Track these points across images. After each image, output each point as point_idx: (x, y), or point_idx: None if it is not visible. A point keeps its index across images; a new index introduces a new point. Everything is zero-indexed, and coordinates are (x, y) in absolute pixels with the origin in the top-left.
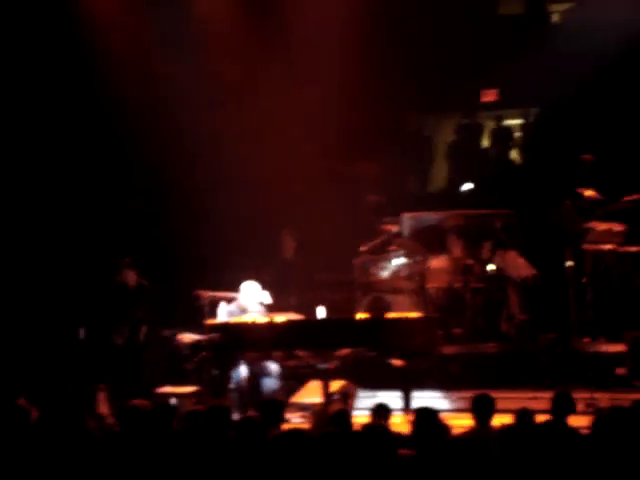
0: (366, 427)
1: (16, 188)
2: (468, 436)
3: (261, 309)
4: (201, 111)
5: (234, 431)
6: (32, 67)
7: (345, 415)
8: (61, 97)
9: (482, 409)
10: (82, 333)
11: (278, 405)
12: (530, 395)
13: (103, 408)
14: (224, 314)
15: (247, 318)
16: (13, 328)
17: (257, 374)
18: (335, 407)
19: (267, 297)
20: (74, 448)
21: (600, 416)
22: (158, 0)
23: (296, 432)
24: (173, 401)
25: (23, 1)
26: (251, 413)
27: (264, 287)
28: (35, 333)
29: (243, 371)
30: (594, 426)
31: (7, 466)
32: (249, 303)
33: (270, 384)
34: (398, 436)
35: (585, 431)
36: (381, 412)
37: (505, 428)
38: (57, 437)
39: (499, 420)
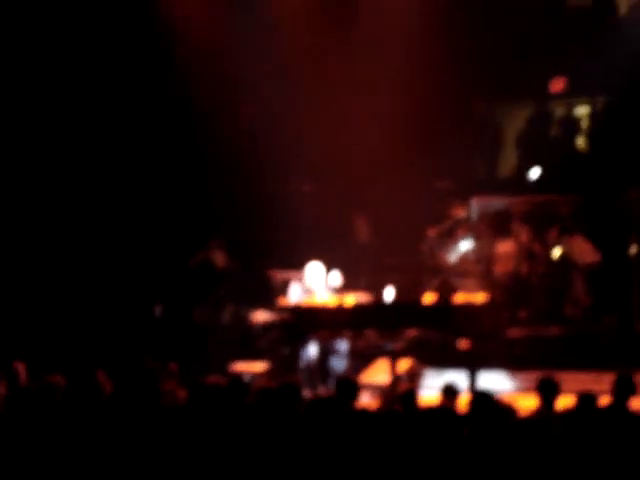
0: (433, 408)
1: (103, 167)
2: (533, 417)
3: (326, 289)
4: (275, 98)
5: (306, 408)
6: (108, 65)
7: (412, 395)
8: (138, 96)
9: (547, 391)
10: (158, 311)
11: (353, 385)
12: (593, 377)
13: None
14: (295, 294)
15: (317, 299)
16: (93, 303)
17: (326, 353)
18: (403, 387)
19: (337, 278)
20: (148, 422)
21: None
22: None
23: (365, 411)
24: (247, 378)
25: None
26: (324, 392)
27: (336, 268)
28: (115, 309)
29: (313, 350)
30: None
31: (82, 437)
32: (314, 284)
33: (339, 363)
34: (464, 417)
35: None
36: (450, 392)
37: (568, 411)
38: (131, 411)
39: (563, 401)
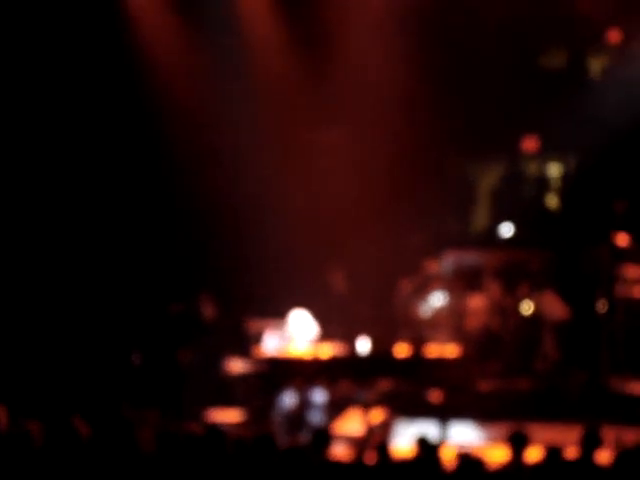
0: (408, 460)
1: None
2: (504, 469)
3: (307, 339)
4: (250, 158)
5: (280, 458)
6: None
7: (386, 447)
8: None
9: (517, 443)
10: (136, 358)
11: (327, 436)
12: (561, 429)
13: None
14: (270, 343)
15: (293, 350)
16: (71, 349)
17: (303, 403)
18: (377, 438)
19: (314, 329)
20: (125, 470)
21: (624, 452)
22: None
23: (339, 462)
24: (223, 427)
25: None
26: (299, 442)
27: (312, 318)
28: (93, 355)
29: (290, 400)
30: (618, 462)
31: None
32: (296, 333)
33: (315, 414)
34: (439, 469)
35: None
36: (424, 444)
37: (537, 463)
38: (109, 458)
39: (532, 453)
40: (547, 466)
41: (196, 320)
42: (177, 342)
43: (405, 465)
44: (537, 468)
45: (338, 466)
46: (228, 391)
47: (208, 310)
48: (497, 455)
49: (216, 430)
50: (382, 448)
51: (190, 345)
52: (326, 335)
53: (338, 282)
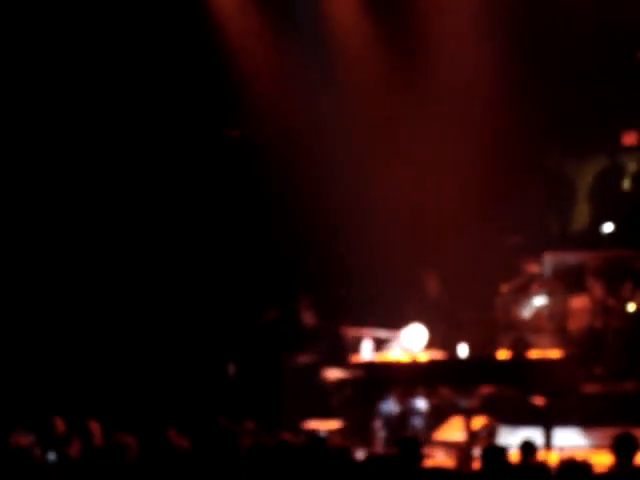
0: (514, 465)
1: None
2: (610, 473)
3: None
4: (342, 154)
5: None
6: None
7: (493, 451)
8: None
9: (624, 447)
10: (232, 369)
11: (417, 443)
12: None
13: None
14: (369, 350)
15: (390, 356)
16: (165, 361)
17: (406, 411)
18: (481, 444)
19: (424, 339)
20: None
21: None
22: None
23: (442, 470)
24: (322, 434)
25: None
26: (392, 451)
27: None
28: (187, 367)
29: (393, 407)
30: None
31: None
32: (413, 347)
33: (418, 422)
34: (544, 474)
35: None
36: (528, 448)
37: None
38: (210, 468)
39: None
40: None
41: (295, 326)
42: (274, 350)
43: (509, 470)
44: None
45: (440, 473)
46: (326, 400)
47: (307, 316)
48: (602, 460)
49: (317, 438)
50: (490, 454)
51: (290, 352)
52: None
53: (432, 285)
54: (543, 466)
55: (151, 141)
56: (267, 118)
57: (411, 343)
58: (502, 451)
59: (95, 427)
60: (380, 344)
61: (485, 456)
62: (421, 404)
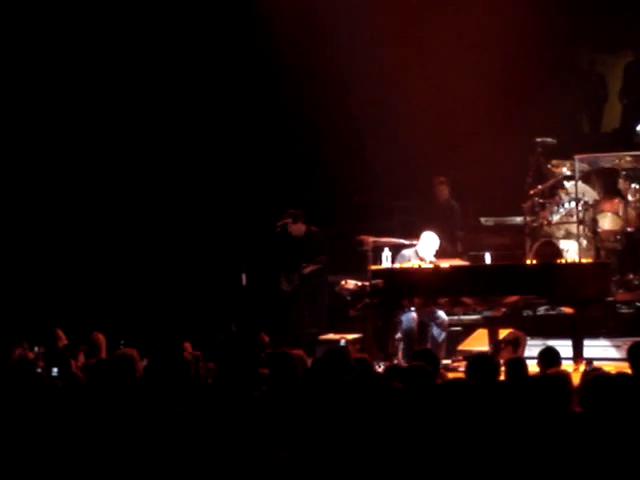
0: (541, 376)
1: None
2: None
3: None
4: (364, 52)
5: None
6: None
7: (518, 363)
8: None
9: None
10: (244, 279)
11: (433, 355)
12: None
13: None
14: (389, 259)
15: (411, 264)
16: (178, 274)
17: (425, 322)
18: (505, 356)
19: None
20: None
21: None
22: None
23: (461, 381)
24: (342, 342)
25: None
26: (415, 362)
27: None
28: (200, 278)
29: (413, 318)
30: None
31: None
32: (428, 254)
33: (439, 333)
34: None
35: None
36: (549, 358)
37: None
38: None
39: None
40: None
41: (289, 239)
42: (274, 262)
43: (528, 382)
44: None
45: (463, 385)
46: (343, 311)
47: (296, 228)
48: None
49: (335, 349)
50: (514, 366)
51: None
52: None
53: (442, 194)
54: (564, 377)
55: None
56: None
57: (424, 250)
58: (522, 362)
59: (101, 339)
60: (396, 253)
61: (508, 368)
62: (441, 315)
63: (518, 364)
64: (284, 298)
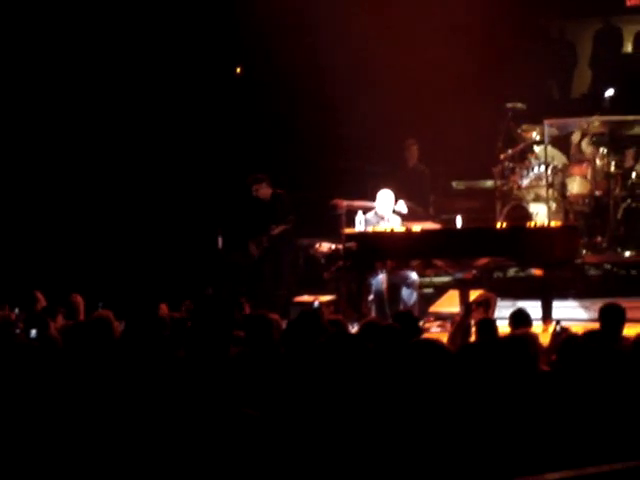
0: (511, 337)
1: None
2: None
3: (398, 218)
4: (337, 20)
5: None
6: None
7: (489, 324)
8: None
9: (611, 319)
10: (220, 242)
11: (413, 317)
12: None
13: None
14: (362, 223)
15: (385, 227)
16: (154, 237)
17: (397, 284)
18: (476, 317)
19: (403, 206)
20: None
21: None
22: None
23: (433, 342)
24: (316, 304)
25: None
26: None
27: (399, 196)
28: (174, 241)
29: (382, 280)
30: None
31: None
32: (386, 212)
33: (409, 295)
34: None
35: None
36: (520, 319)
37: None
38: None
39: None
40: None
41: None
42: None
43: (504, 342)
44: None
45: (434, 346)
46: (317, 273)
47: (263, 192)
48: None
49: (309, 311)
50: (485, 326)
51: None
52: (418, 213)
53: (412, 157)
54: (531, 338)
55: None
56: None
57: (381, 209)
58: (492, 323)
59: (79, 302)
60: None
61: (478, 329)
62: (412, 277)
63: (488, 325)
64: (254, 261)
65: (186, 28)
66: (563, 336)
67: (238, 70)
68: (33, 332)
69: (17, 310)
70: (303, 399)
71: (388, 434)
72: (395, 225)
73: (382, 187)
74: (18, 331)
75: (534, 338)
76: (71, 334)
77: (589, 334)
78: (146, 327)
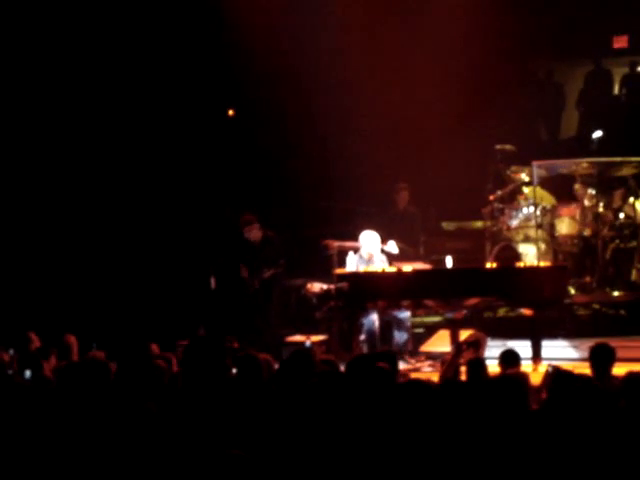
0: (500, 377)
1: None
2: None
3: (384, 258)
4: (328, 61)
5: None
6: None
7: (479, 364)
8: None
9: (601, 359)
10: (213, 282)
11: (393, 356)
12: None
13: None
14: (353, 263)
15: (376, 267)
16: (147, 278)
17: (389, 324)
18: (467, 356)
19: (394, 247)
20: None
21: None
22: None
23: (421, 382)
24: (307, 344)
25: None
26: (380, 363)
27: (390, 237)
28: (167, 281)
29: (374, 320)
30: None
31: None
32: (374, 251)
33: (401, 335)
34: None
35: None
36: (509, 359)
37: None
38: (199, 384)
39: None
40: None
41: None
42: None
43: (495, 382)
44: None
45: (424, 386)
46: (308, 313)
47: (254, 234)
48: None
49: (302, 350)
50: (475, 366)
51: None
52: (408, 254)
53: (402, 200)
54: (522, 377)
55: None
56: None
57: (368, 248)
58: (482, 363)
59: (73, 341)
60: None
61: (469, 368)
62: (404, 317)
63: (478, 364)
64: (246, 301)
65: (180, 71)
66: (554, 375)
67: (230, 112)
68: (27, 373)
69: (11, 351)
70: (294, 438)
71: (379, 475)
72: (383, 265)
73: (372, 228)
74: (11, 372)
75: (525, 377)
76: (65, 375)
77: (579, 375)
78: (138, 370)
